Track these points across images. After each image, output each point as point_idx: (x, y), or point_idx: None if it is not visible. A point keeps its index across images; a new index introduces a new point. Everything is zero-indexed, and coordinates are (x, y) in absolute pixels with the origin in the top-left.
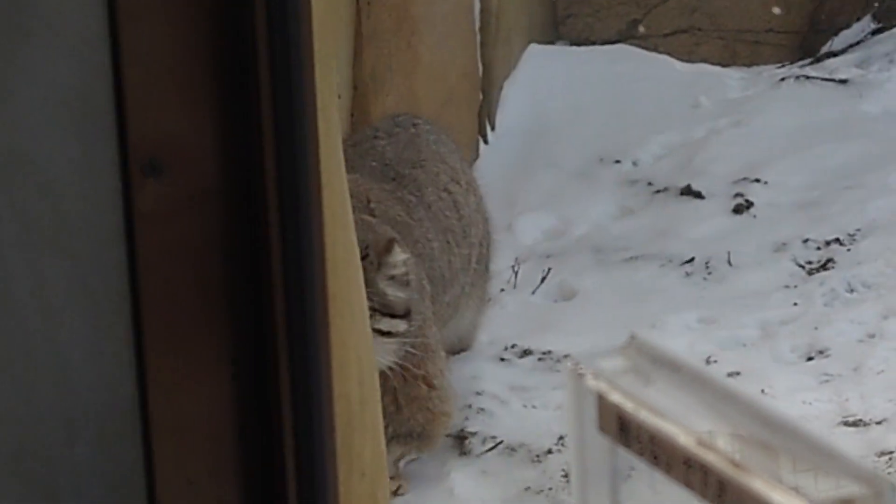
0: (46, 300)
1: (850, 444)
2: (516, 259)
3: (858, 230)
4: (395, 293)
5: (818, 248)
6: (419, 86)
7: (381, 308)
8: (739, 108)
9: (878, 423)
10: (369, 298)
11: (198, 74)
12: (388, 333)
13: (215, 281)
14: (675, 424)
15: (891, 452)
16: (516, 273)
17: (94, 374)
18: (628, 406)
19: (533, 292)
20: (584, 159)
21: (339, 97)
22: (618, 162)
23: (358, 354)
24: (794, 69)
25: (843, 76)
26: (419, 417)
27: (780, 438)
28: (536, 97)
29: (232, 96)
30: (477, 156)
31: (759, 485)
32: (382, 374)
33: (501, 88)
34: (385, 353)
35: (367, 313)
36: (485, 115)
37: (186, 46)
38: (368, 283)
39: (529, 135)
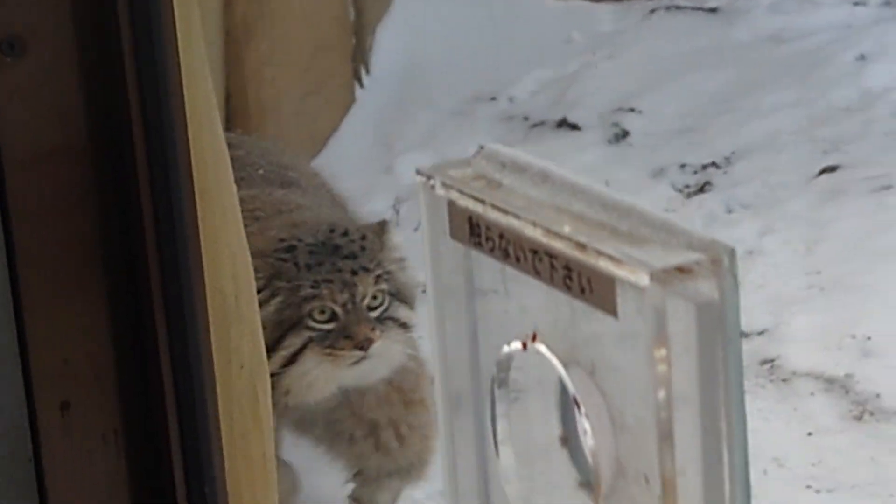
0: None
1: None
2: (397, 198)
3: (734, 153)
4: (403, 276)
5: (695, 173)
6: (291, 32)
7: (395, 293)
8: (612, 41)
9: (759, 333)
10: (385, 281)
11: None
12: (404, 325)
13: (81, 186)
14: (524, 219)
15: (772, 360)
16: (398, 212)
17: None
18: (478, 208)
19: (416, 229)
20: (460, 98)
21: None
22: (493, 99)
23: (231, 250)
24: (665, 0)
25: (712, 5)
26: (418, 447)
27: (623, 219)
28: (410, 39)
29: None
30: (353, 100)
31: (603, 263)
32: (383, 405)
33: (374, 32)
34: (403, 347)
35: (240, 212)
36: (359, 59)
37: None
38: (378, 265)
39: (405, 76)
